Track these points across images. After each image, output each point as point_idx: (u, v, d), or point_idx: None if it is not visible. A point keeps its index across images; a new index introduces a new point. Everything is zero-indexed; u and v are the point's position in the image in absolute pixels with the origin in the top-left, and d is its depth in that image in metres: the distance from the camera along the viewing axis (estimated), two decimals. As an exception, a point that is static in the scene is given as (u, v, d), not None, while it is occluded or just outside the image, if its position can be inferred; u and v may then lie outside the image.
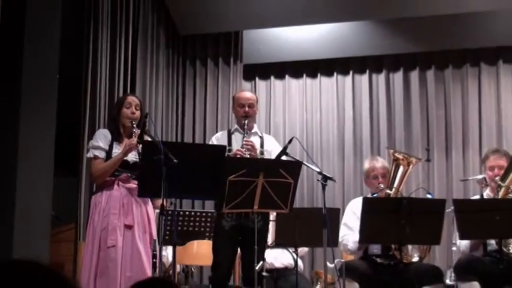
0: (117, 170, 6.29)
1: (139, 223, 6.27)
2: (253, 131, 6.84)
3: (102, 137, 6.45)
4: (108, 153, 6.36)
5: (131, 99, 6.61)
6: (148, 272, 6.07)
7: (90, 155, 6.49)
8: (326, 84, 10.59)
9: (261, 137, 6.93)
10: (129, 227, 6.24)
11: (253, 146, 6.53)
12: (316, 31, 10.18)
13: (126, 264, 6.14)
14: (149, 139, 6.12)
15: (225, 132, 7.05)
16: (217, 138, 7.01)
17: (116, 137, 6.43)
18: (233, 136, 6.83)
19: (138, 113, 6.47)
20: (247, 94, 7.10)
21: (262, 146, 6.80)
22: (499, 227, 6.20)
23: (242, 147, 6.49)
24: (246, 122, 6.72)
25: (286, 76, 10.68)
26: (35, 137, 6.48)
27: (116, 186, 6.31)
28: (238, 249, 6.68)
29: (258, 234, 6.01)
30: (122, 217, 6.26)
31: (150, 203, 6.32)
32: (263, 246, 6.44)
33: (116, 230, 6.19)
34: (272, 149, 6.85)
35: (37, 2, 6.60)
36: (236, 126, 6.93)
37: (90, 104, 7.93)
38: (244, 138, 6.59)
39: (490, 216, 6.18)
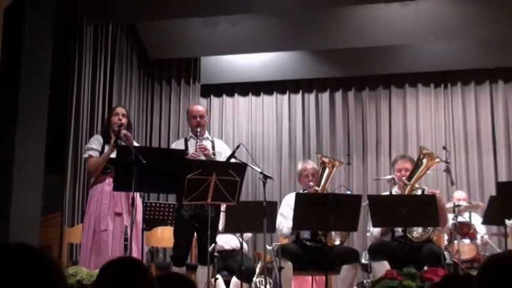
0: (108, 167, 6.30)
1: (127, 211, 6.29)
2: (205, 136, 6.86)
3: (95, 141, 6.56)
4: (101, 153, 6.42)
5: (118, 109, 6.70)
6: (134, 252, 6.05)
7: (86, 155, 6.56)
8: (267, 101, 10.59)
9: (212, 141, 6.97)
10: (118, 214, 6.28)
11: (205, 148, 6.60)
12: (260, 58, 10.18)
13: (116, 245, 6.19)
14: (124, 144, 6.15)
15: (182, 140, 7.09)
16: (176, 144, 7.08)
17: (107, 140, 6.50)
18: (189, 142, 6.85)
19: (124, 120, 6.53)
20: (198, 107, 7.14)
21: (213, 148, 6.83)
22: (404, 218, 6.24)
23: (196, 151, 6.54)
24: (198, 129, 6.76)
25: (235, 94, 10.66)
26: (29, 140, 6.49)
27: (107, 181, 6.35)
28: (195, 234, 6.70)
29: (211, 222, 6.09)
30: (112, 206, 6.29)
31: (137, 195, 6.25)
32: (215, 231, 6.49)
33: (107, 217, 6.26)
34: (222, 150, 6.90)
35: (33, 32, 6.59)
36: (191, 134, 6.96)
37: (75, 116, 7.91)
38: (198, 143, 6.63)
39: (397, 209, 6.22)
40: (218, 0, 8.11)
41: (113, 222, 6.28)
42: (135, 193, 5.69)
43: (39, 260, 1.56)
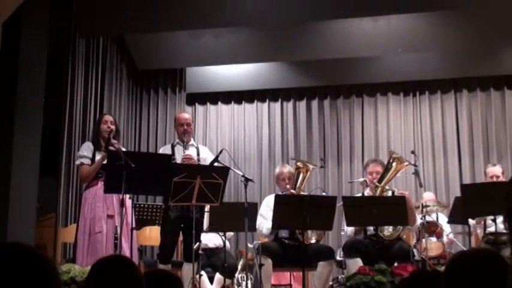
0: (100, 172, 6.31)
1: (119, 213, 6.28)
2: (190, 143, 6.86)
3: (86, 148, 6.58)
4: (92, 159, 6.40)
5: (107, 117, 6.72)
6: (127, 252, 6.04)
7: (78, 162, 6.57)
8: (248, 109, 10.59)
9: (197, 148, 6.98)
10: (110, 217, 6.28)
11: (190, 158, 6.59)
12: (241, 69, 10.18)
13: (109, 245, 6.18)
14: (114, 149, 6.13)
15: (169, 145, 7.09)
16: (164, 150, 7.07)
17: (97, 147, 6.52)
18: (175, 148, 6.85)
19: (113, 127, 6.53)
20: (185, 115, 7.15)
21: (198, 154, 6.84)
22: (376, 217, 6.29)
23: (183, 161, 6.53)
24: (185, 137, 6.76)
25: (219, 103, 10.64)
26: (25, 146, 6.47)
27: (99, 185, 6.36)
28: (180, 234, 6.69)
29: (195, 222, 6.09)
30: (105, 209, 6.29)
31: (127, 198, 6.24)
32: (199, 231, 6.46)
33: (101, 219, 6.27)
34: (206, 156, 6.91)
35: (29, 44, 6.58)
36: (177, 140, 6.97)
37: (68, 123, 7.89)
38: (184, 153, 6.63)
39: (369, 209, 6.26)
40: (202, 15, 8.10)
41: (106, 224, 6.30)
42: (125, 195, 5.70)
43: (35, 258, 1.56)
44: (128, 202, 6.16)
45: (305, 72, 10.16)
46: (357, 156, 10.15)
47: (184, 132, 6.83)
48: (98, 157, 6.44)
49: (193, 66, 10.09)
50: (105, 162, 6.23)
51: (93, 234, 6.25)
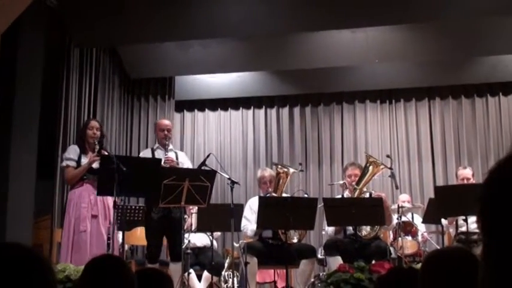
0: (85, 174, 6.31)
1: (102, 213, 6.29)
2: (170, 148, 6.84)
3: (73, 151, 6.53)
4: (78, 162, 6.38)
5: (93, 123, 6.67)
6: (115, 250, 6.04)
7: (63, 164, 6.52)
8: (234, 115, 10.59)
9: (176, 152, 6.96)
10: (94, 216, 6.28)
11: (172, 160, 6.59)
12: (227, 78, 10.18)
13: (93, 244, 6.21)
14: (106, 153, 6.13)
15: (149, 149, 7.07)
16: (144, 154, 7.11)
17: (83, 150, 6.48)
18: (156, 152, 6.84)
19: (98, 133, 6.53)
20: (166, 121, 7.15)
21: (177, 158, 6.81)
22: (354, 218, 6.30)
23: (164, 163, 6.50)
24: (167, 142, 6.76)
25: (206, 109, 10.65)
26: (22, 151, 6.48)
27: (84, 186, 6.34)
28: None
29: (176, 222, 6.23)
30: (89, 209, 6.28)
31: (109, 199, 6.24)
32: (181, 230, 6.46)
33: (85, 219, 6.26)
34: (184, 161, 6.94)
35: (25, 54, 6.59)
36: (157, 144, 6.95)
37: (63, 129, 7.88)
38: (165, 155, 6.60)
39: (349, 210, 6.26)
40: (190, 26, 8.11)
41: (90, 223, 6.28)
42: (109, 197, 5.73)
43: (32, 258, 1.56)
44: (110, 202, 6.17)
45: (288, 81, 10.18)
46: (336, 160, 10.17)
47: (164, 137, 6.82)
48: (83, 160, 6.42)
49: (182, 75, 10.08)
50: (95, 166, 6.22)
51: (77, 233, 6.25)
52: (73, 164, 6.41)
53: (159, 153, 6.76)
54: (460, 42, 8.69)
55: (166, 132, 6.84)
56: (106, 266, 2.52)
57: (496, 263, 0.68)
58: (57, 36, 7.87)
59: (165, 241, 6.73)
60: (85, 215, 6.28)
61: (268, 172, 7.22)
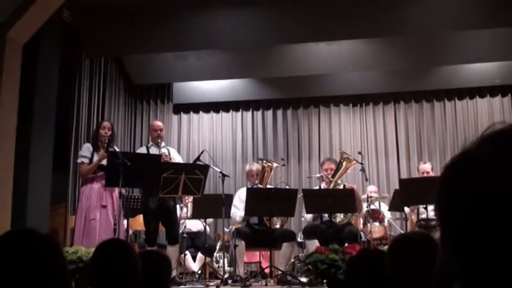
0: (96, 170, 6.31)
1: (110, 203, 6.30)
2: (162, 145, 6.83)
3: (86, 149, 6.56)
4: (91, 159, 6.38)
5: (105, 123, 6.71)
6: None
7: (79, 161, 6.55)
8: (225, 117, 10.59)
9: (168, 149, 6.93)
10: (104, 207, 6.29)
11: (166, 155, 6.59)
12: (219, 84, 10.19)
13: (102, 230, 6.22)
14: (113, 150, 6.14)
15: (144, 147, 7.07)
16: (140, 151, 7.10)
17: (96, 148, 6.49)
18: (150, 149, 6.82)
19: (109, 133, 6.54)
20: (159, 123, 7.15)
21: (169, 154, 6.79)
22: (330, 206, 6.35)
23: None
24: (160, 141, 6.76)
25: (200, 112, 10.64)
26: (40, 147, 6.50)
27: (95, 181, 6.33)
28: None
29: (171, 211, 6.31)
30: (99, 200, 6.29)
31: (116, 190, 6.24)
32: (175, 218, 6.53)
33: (95, 209, 6.27)
34: (175, 157, 6.91)
35: (44, 63, 6.59)
36: (151, 143, 6.94)
37: (75, 128, 7.86)
38: (161, 152, 6.59)
39: (325, 199, 6.31)
40: (186, 39, 8.17)
41: (100, 213, 6.29)
42: (115, 188, 5.74)
43: (46, 241, 1.58)
44: (117, 195, 6.19)
45: (272, 87, 10.20)
46: (314, 156, 10.19)
47: (157, 136, 6.83)
48: (95, 157, 6.42)
49: (179, 81, 10.09)
50: (103, 163, 6.23)
51: (88, 220, 6.27)
52: (86, 160, 6.43)
53: (153, 150, 6.76)
54: (421, 54, 8.76)
55: (159, 132, 6.85)
56: (113, 248, 2.54)
57: (450, 244, 0.71)
58: (71, 47, 7.86)
59: (161, 227, 6.71)
60: (94, 205, 6.30)
61: (255, 166, 7.23)
